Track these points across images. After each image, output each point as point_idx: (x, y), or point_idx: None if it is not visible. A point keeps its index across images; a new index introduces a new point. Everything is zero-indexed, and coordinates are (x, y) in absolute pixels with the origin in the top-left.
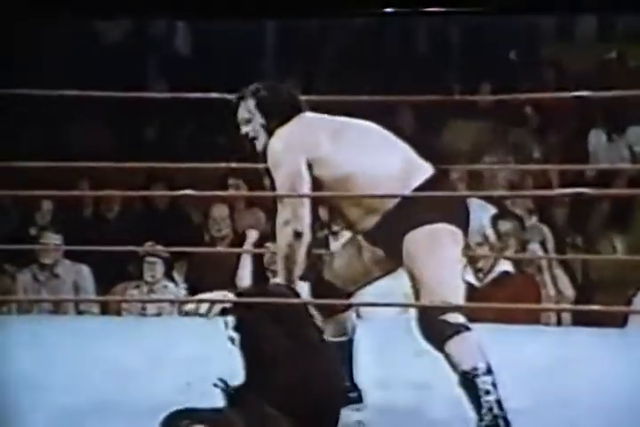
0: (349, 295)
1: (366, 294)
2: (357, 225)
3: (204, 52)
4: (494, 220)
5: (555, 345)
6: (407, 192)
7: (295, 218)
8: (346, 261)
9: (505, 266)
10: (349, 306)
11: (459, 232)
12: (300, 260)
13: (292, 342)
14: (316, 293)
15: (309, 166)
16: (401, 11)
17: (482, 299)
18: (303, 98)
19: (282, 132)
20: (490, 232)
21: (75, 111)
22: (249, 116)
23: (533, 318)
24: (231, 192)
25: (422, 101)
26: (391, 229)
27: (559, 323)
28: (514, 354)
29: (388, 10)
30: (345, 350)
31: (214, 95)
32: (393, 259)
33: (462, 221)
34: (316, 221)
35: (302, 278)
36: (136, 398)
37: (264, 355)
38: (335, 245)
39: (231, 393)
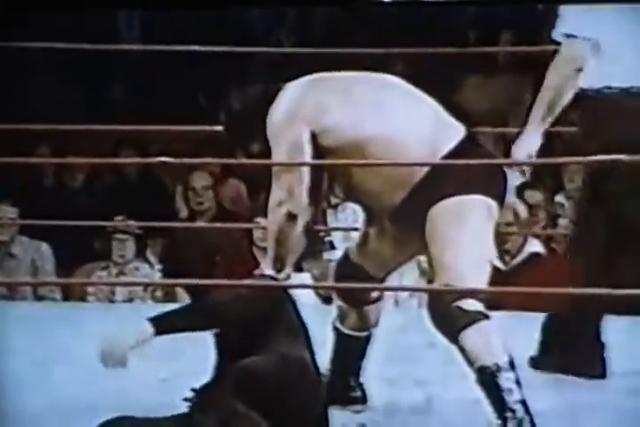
0: (381, 282)
1: None
2: (380, 200)
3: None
4: (520, 190)
5: None
6: (436, 158)
7: (290, 198)
8: (373, 239)
9: (535, 246)
10: (380, 297)
11: (494, 205)
12: (292, 246)
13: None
14: (342, 278)
15: (315, 137)
16: (399, 0)
17: (508, 284)
18: (298, 50)
19: (284, 100)
20: (521, 208)
21: (33, 65)
22: None
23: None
24: (214, 159)
25: (433, 54)
26: (419, 203)
27: None
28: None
29: (386, 0)
30: (359, 347)
31: (195, 48)
32: (420, 239)
33: (499, 191)
34: (320, 197)
35: (301, 269)
36: (102, 397)
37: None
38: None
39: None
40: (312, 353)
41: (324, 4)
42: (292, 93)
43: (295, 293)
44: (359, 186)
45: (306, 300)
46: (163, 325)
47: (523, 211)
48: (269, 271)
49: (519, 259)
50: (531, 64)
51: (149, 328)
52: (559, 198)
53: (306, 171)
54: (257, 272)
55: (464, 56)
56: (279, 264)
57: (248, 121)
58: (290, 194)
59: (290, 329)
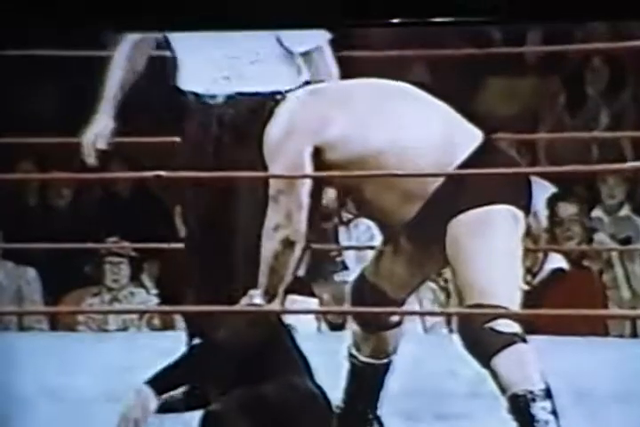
0: (401, 305)
1: None
2: (393, 216)
3: None
4: (552, 201)
5: (628, 362)
6: (453, 167)
7: (289, 223)
8: (389, 257)
9: (557, 262)
10: (400, 321)
11: (520, 215)
12: (287, 274)
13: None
14: (358, 300)
15: (320, 152)
16: (408, 21)
17: (530, 304)
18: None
19: (282, 114)
20: (543, 220)
21: (15, 71)
22: None
23: (599, 328)
24: (214, 173)
25: (454, 56)
26: (436, 216)
27: (635, 334)
28: (575, 373)
29: (395, 20)
30: (377, 376)
31: None
32: (439, 256)
33: (523, 199)
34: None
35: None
36: None
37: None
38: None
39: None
40: (314, 382)
41: (324, 28)
42: (291, 105)
43: (297, 320)
44: (371, 201)
45: (307, 327)
46: (162, 385)
47: (543, 223)
48: (258, 300)
49: (541, 276)
50: (561, 64)
51: (150, 393)
52: (597, 213)
53: (306, 194)
54: (245, 301)
55: (487, 57)
56: (270, 293)
57: (241, 134)
58: (288, 219)
59: (287, 358)
